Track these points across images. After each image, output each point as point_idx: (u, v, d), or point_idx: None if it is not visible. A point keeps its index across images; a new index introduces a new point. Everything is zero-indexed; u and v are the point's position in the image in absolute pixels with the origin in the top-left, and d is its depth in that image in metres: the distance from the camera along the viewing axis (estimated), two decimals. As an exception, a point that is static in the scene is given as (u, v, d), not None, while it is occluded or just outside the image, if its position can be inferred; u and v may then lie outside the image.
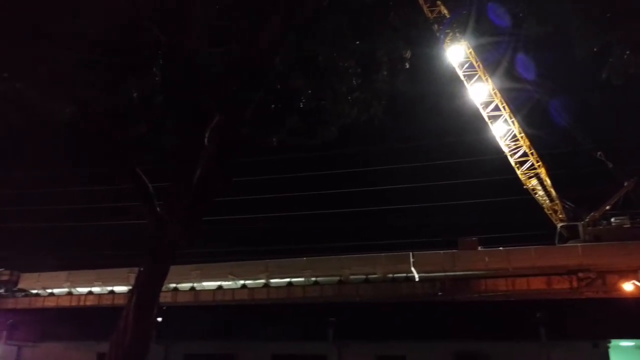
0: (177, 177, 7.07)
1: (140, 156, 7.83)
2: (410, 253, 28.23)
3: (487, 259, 27.09)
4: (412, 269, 27.74)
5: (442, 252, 28.31)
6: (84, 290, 34.58)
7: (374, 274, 28.62)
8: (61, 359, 21.80)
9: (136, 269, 28.35)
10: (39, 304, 33.74)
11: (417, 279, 27.87)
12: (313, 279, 30.09)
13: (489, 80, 30.37)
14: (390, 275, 28.40)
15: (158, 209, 6.96)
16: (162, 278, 7.11)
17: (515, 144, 30.97)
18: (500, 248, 27.65)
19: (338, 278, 29.38)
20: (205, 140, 7.81)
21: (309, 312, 21.23)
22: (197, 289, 33.46)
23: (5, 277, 33.87)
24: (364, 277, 28.67)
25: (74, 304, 32.95)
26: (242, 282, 32.09)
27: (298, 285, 30.58)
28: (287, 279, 30.81)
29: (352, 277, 28.95)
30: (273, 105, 9.57)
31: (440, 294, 26.45)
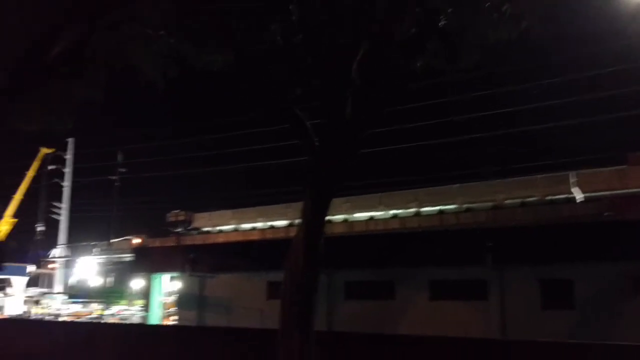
0: (330, 114, 7.21)
1: (293, 96, 8.06)
2: (570, 173, 26.44)
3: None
4: (573, 189, 25.99)
5: (608, 169, 26.09)
6: (248, 226, 37.40)
7: (531, 197, 27.31)
8: (237, 288, 24.23)
9: (293, 205, 30.23)
10: (211, 240, 37.27)
11: (579, 200, 26.12)
12: (465, 205, 29.54)
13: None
14: (549, 198, 26.91)
15: (316, 145, 7.20)
16: (324, 210, 7.44)
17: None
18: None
19: (492, 203, 28.53)
20: (353, 74, 7.81)
21: (463, 239, 21.03)
22: (350, 220, 34.63)
23: (181, 218, 37.81)
24: (520, 201, 27.51)
25: (240, 238, 35.99)
26: (392, 211, 32.51)
27: (450, 212, 30.26)
28: (439, 207, 30.59)
29: (507, 201, 27.93)
30: (413, 30, 9.23)
31: (606, 214, 24.59)
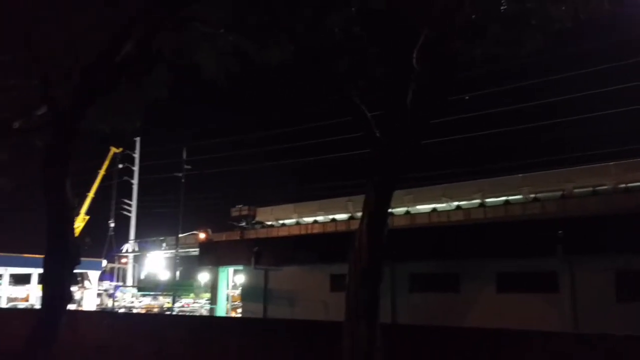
0: (391, 103, 7.15)
1: (354, 88, 8.03)
2: (646, 159, 25.12)
3: None
4: (650, 176, 24.68)
5: (687, 154, 24.61)
6: (310, 219, 37.67)
7: (603, 185, 26.11)
8: (300, 280, 24.51)
9: (354, 198, 30.15)
10: (274, 233, 37.83)
11: (656, 187, 24.75)
12: (532, 195, 28.58)
13: None
14: (623, 185, 25.64)
15: (377, 135, 7.16)
16: (387, 202, 7.40)
17: None
18: None
19: (560, 192, 27.47)
20: (414, 61, 7.70)
21: (531, 229, 20.38)
22: (412, 212, 34.25)
23: (245, 212, 38.57)
24: (591, 189, 26.36)
25: (302, 232, 36.33)
26: (456, 203, 31.91)
27: (516, 203, 29.37)
28: (504, 198, 29.77)
29: (576, 190, 26.83)
30: (474, 15, 8.98)
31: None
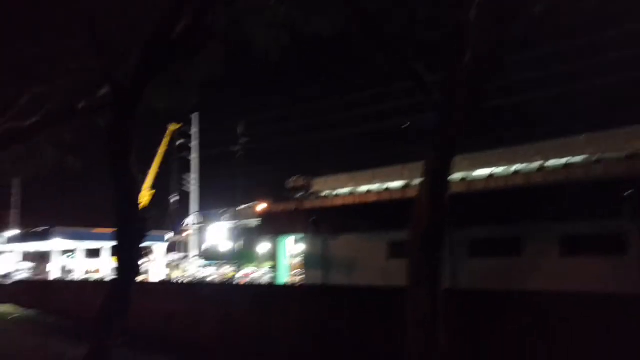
0: (451, 64, 7.00)
1: (410, 52, 7.89)
2: None
3: None
4: None
5: None
6: (365, 188, 37.67)
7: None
8: (358, 248, 24.70)
9: (409, 165, 29.90)
10: (329, 203, 38.06)
11: None
12: (596, 156, 27.47)
13: None
14: (699, 143, 24.24)
15: (436, 98, 7.06)
16: (448, 166, 7.33)
17: None
18: None
19: (627, 152, 26.27)
20: (471, 19, 7.47)
21: (597, 191, 19.65)
22: (468, 178, 33.66)
23: (300, 183, 38.98)
24: (659, 147, 25.05)
25: (358, 201, 36.40)
26: (514, 167, 31.13)
27: (579, 165, 28.33)
28: (565, 160, 28.76)
29: (644, 149, 25.56)
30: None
31: None
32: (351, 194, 38.49)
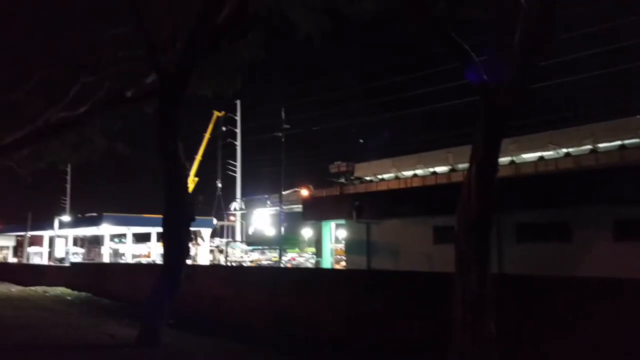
0: (499, 42, 6.78)
1: (457, 33, 7.67)
2: None
3: None
4: None
5: None
6: (409, 173, 37.32)
7: None
8: (402, 233, 24.55)
9: (453, 149, 29.47)
10: (372, 188, 37.93)
11: None
12: (653, 137, 26.37)
13: None
14: None
15: (485, 79, 6.87)
16: (496, 149, 7.15)
17: None
18: None
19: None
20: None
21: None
22: (517, 162, 32.90)
23: (343, 168, 38.96)
24: None
25: (402, 186, 36.16)
26: (565, 150, 30.21)
27: (633, 147, 27.25)
28: (619, 142, 27.70)
29: None
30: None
31: None
32: (396, 178, 38.26)
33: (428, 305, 10.61)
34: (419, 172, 36.99)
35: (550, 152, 30.84)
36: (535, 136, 32.76)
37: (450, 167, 34.52)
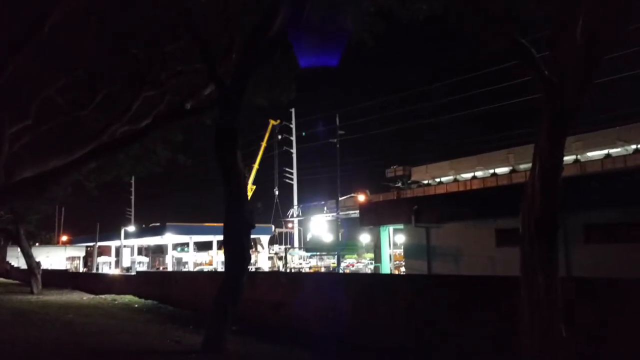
0: (561, 37, 6.51)
1: (516, 29, 7.44)
2: None
3: None
4: None
5: None
6: (468, 175, 36.60)
7: None
8: (463, 237, 24.02)
9: (515, 149, 28.61)
10: (431, 192, 37.41)
11: None
12: None
13: None
14: None
15: (547, 75, 6.62)
16: (561, 148, 6.87)
17: None
18: None
19: None
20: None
21: None
22: (582, 160, 31.68)
23: (400, 172, 38.66)
24: None
25: (461, 189, 35.52)
26: (634, 146, 28.86)
27: None
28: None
29: None
30: None
31: None
32: (454, 181, 37.60)
33: (495, 310, 10.33)
34: (478, 173, 36.21)
35: (618, 149, 29.52)
36: (602, 133, 31.45)
37: (511, 167, 33.57)
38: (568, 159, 30.29)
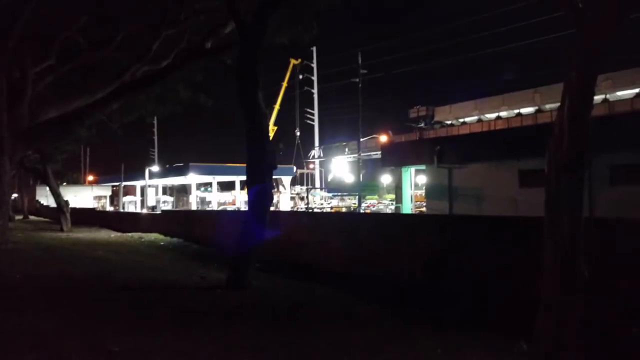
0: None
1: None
2: None
3: None
4: None
5: None
6: (492, 115, 35.97)
7: None
8: (486, 177, 23.88)
9: (541, 88, 27.86)
10: (454, 132, 36.94)
11: None
12: None
13: None
14: None
15: (580, 7, 6.34)
16: (591, 82, 6.65)
17: None
18: None
19: None
20: None
21: None
22: (611, 99, 30.82)
23: (423, 113, 38.15)
24: None
25: (485, 129, 34.99)
26: (666, 84, 27.92)
27: None
28: None
29: None
30: None
31: None
32: (478, 121, 36.99)
33: (514, 249, 10.38)
34: (503, 114, 35.56)
35: (650, 88, 28.62)
36: (632, 71, 30.41)
37: (536, 107, 32.86)
38: (597, 98, 29.43)
